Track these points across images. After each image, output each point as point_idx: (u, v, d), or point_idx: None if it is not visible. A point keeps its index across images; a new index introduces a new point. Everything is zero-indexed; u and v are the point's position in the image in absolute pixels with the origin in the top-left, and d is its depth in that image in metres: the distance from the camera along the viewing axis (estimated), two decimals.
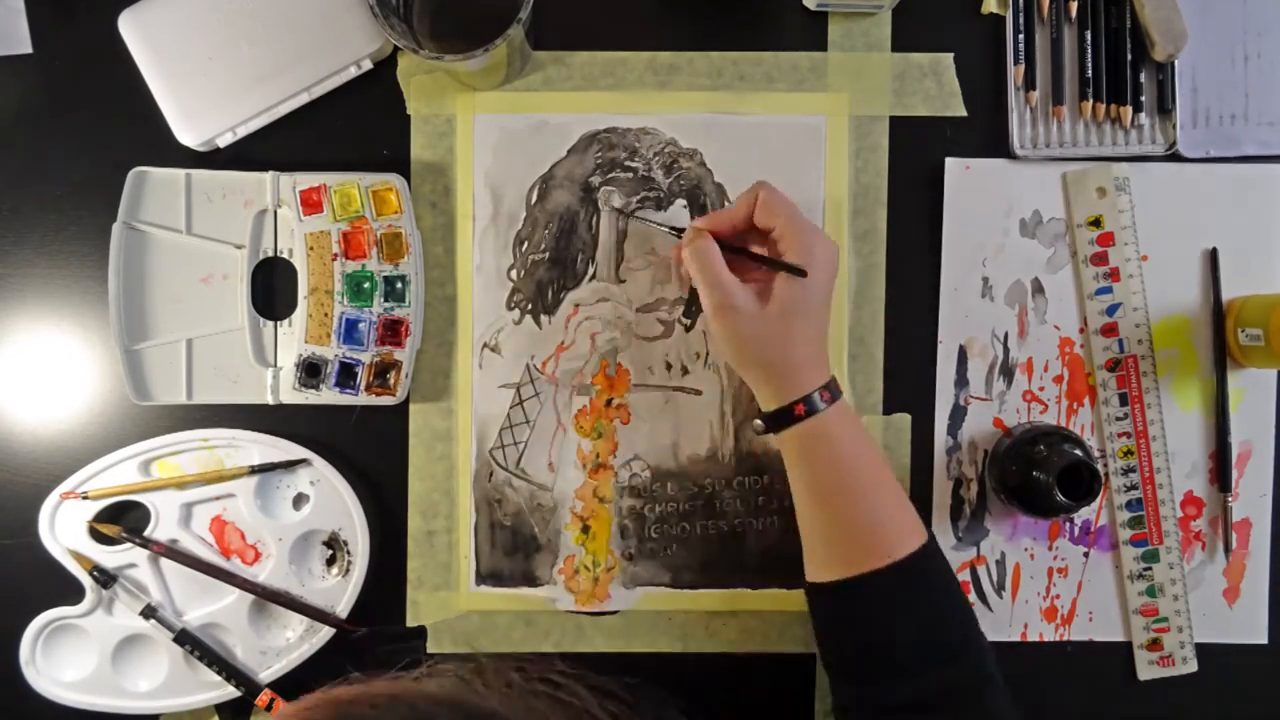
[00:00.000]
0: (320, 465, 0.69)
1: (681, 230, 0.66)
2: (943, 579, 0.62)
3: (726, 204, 0.71)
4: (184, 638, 0.68)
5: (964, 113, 0.71)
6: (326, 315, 0.69)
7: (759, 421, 0.64)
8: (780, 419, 0.62)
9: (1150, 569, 0.71)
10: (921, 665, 0.59)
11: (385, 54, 0.69)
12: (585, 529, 0.71)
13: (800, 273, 0.60)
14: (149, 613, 0.68)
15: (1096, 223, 0.71)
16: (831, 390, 0.62)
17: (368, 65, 0.69)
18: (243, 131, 0.68)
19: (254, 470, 0.69)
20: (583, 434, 0.71)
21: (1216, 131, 0.71)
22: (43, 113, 0.70)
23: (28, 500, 0.69)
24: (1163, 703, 0.72)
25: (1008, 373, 0.72)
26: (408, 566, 0.71)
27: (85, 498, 0.68)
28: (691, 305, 0.71)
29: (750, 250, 0.64)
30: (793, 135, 0.71)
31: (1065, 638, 0.72)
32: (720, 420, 0.71)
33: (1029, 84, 0.70)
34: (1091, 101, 0.70)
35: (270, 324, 0.70)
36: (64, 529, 0.68)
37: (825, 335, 0.63)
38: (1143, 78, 0.70)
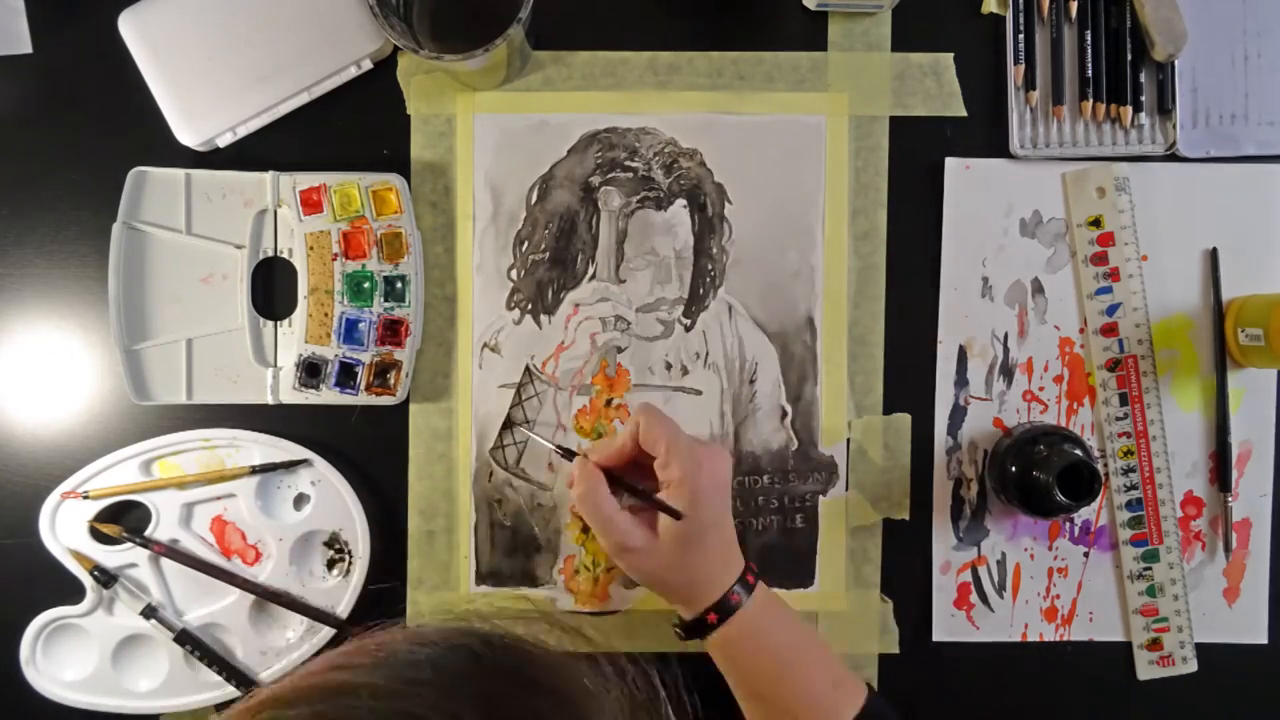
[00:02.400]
0: (321, 465, 0.69)
1: (569, 451, 0.66)
2: None
3: (726, 204, 0.71)
4: (184, 638, 0.68)
5: (964, 113, 0.71)
6: (326, 315, 0.69)
7: (677, 629, 0.64)
8: (697, 628, 0.63)
9: (1150, 569, 0.71)
10: None
11: (385, 54, 0.69)
12: (585, 529, 0.71)
13: (676, 515, 0.61)
14: (149, 613, 0.68)
15: (1096, 223, 0.71)
16: (744, 584, 0.62)
17: (368, 65, 0.69)
18: (243, 131, 0.68)
19: (255, 470, 0.69)
20: (583, 434, 0.71)
21: (1216, 131, 0.71)
22: (43, 113, 0.70)
23: (28, 500, 0.69)
24: (1163, 703, 0.72)
25: (1008, 373, 0.72)
26: (408, 566, 0.71)
27: (86, 497, 0.68)
28: (692, 305, 0.71)
29: (634, 487, 0.64)
30: (793, 135, 0.71)
31: (1065, 638, 0.72)
32: (720, 420, 0.71)
33: (1029, 84, 0.70)
34: (1091, 101, 0.70)
35: (270, 324, 0.70)
36: (64, 529, 0.68)
37: (729, 536, 0.64)
38: (1143, 78, 0.70)
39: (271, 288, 0.70)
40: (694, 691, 0.51)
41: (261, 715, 0.37)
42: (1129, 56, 0.70)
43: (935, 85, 0.71)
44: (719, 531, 0.63)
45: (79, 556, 0.68)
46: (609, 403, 0.71)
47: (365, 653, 0.41)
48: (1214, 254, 0.72)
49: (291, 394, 0.69)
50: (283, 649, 0.70)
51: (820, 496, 0.71)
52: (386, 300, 0.69)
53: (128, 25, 0.67)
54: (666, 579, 0.63)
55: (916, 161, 0.71)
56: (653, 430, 0.63)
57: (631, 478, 0.64)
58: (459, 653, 0.41)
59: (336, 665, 0.40)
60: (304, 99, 0.68)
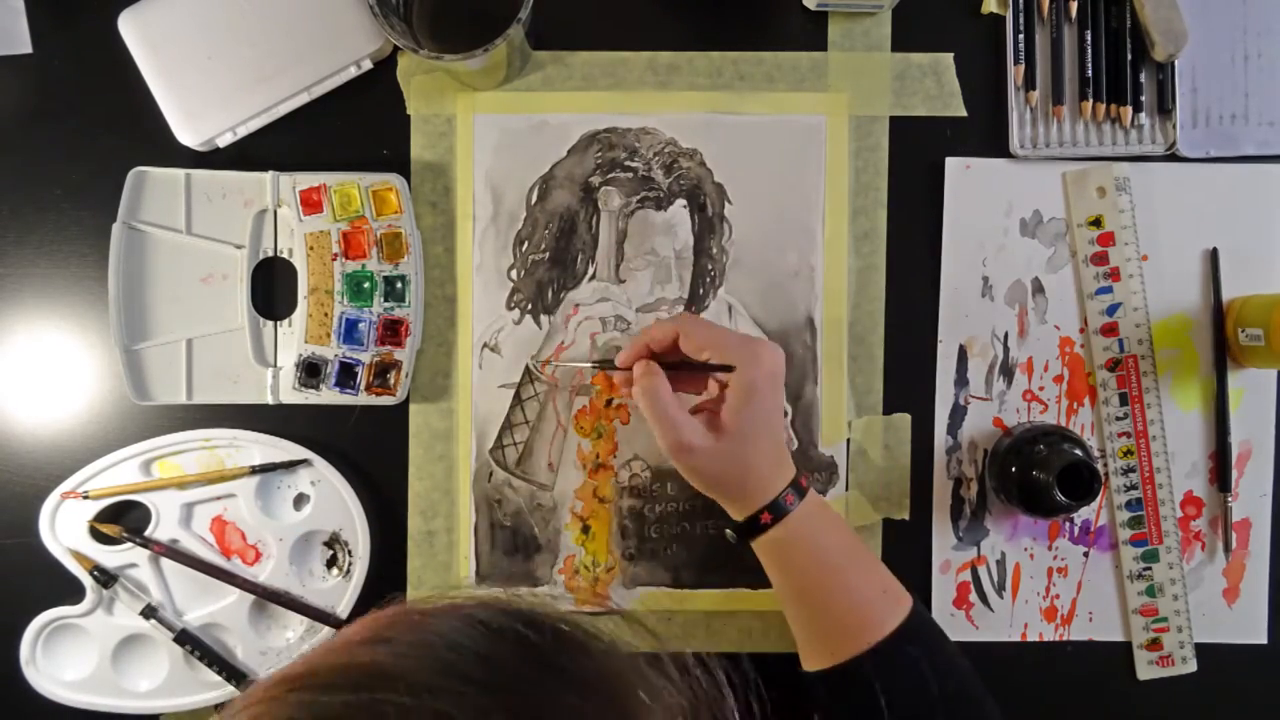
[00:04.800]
0: (321, 465, 0.69)
1: (606, 362, 0.67)
2: (932, 645, 0.62)
3: (726, 204, 0.71)
4: (184, 638, 0.68)
5: (964, 113, 0.71)
6: (326, 315, 0.69)
7: (730, 532, 0.64)
8: (750, 529, 0.62)
9: (1150, 569, 0.71)
10: None
11: (385, 54, 0.69)
12: (585, 529, 0.71)
13: (728, 368, 0.61)
14: (149, 613, 0.68)
15: (1096, 222, 0.71)
16: (796, 488, 0.62)
17: (368, 65, 0.69)
18: (243, 131, 0.68)
19: (255, 470, 0.69)
20: (583, 434, 0.71)
21: (1216, 131, 0.71)
22: (43, 113, 0.70)
23: (28, 500, 0.69)
24: (1162, 703, 0.72)
25: (1008, 372, 0.72)
26: (408, 566, 0.71)
27: (86, 497, 0.68)
28: (692, 305, 0.71)
29: (688, 362, 0.64)
30: (793, 135, 0.71)
31: (1065, 638, 0.72)
32: None
33: (1029, 84, 0.70)
34: (1091, 101, 0.70)
35: (270, 324, 0.70)
36: (64, 529, 0.68)
37: (781, 437, 0.64)
38: (1143, 78, 0.70)
39: (271, 288, 0.70)
40: (764, 695, 0.48)
41: (291, 696, 0.35)
42: (1129, 56, 0.70)
43: (935, 85, 0.71)
44: (771, 431, 0.62)
45: (79, 556, 0.68)
46: (609, 403, 0.71)
47: (409, 625, 0.38)
48: (1214, 254, 0.72)
49: (291, 394, 0.69)
50: (283, 649, 0.70)
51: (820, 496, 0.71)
52: (386, 300, 0.69)
53: (128, 25, 0.67)
54: (724, 476, 0.62)
55: (916, 161, 0.71)
56: (696, 333, 0.62)
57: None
58: (506, 640, 0.38)
59: (376, 638, 0.37)
60: (304, 99, 0.68)
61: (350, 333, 0.69)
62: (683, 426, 0.61)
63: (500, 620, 0.38)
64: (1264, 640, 0.72)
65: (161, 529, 0.69)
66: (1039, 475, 0.66)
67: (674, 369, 0.63)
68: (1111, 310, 0.71)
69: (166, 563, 0.69)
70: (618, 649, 0.41)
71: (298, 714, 0.34)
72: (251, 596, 0.69)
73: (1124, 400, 0.71)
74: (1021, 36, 0.70)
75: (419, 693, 0.34)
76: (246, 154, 0.69)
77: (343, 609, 0.69)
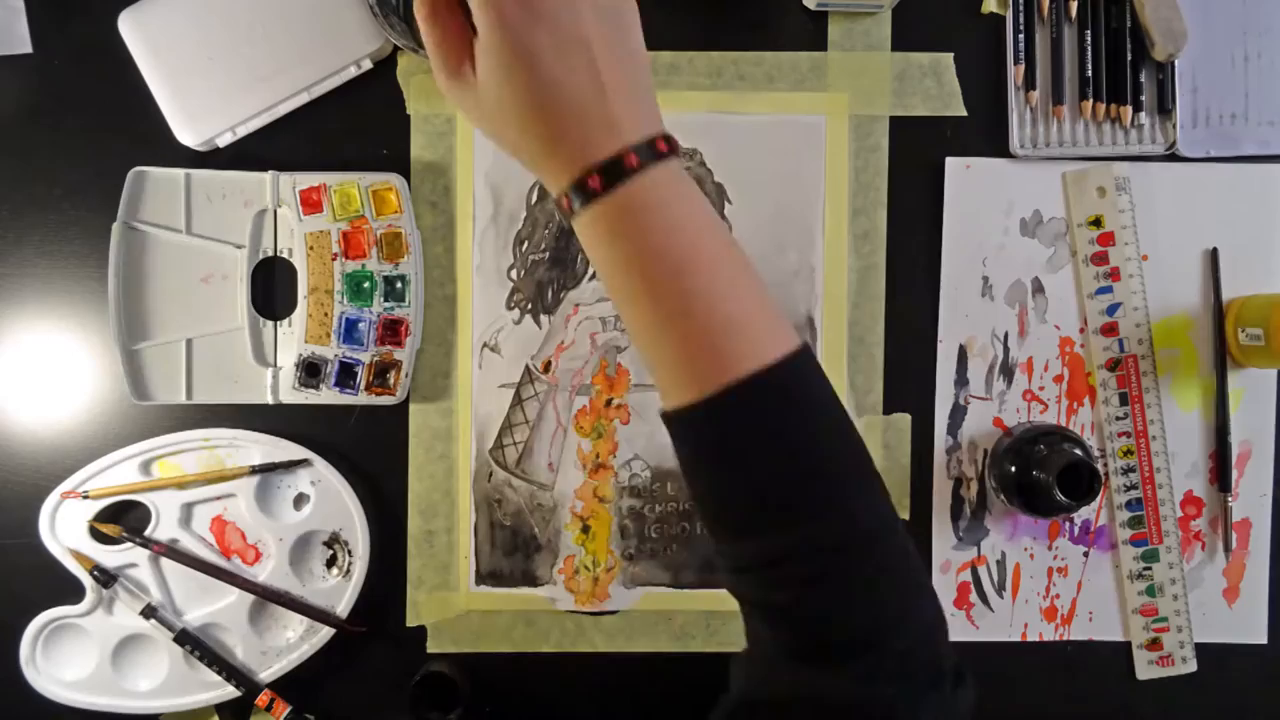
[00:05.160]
0: (321, 465, 0.69)
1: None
2: (820, 399, 0.46)
3: (726, 204, 0.71)
4: (184, 638, 0.68)
5: (964, 113, 0.71)
6: (326, 315, 0.69)
7: (562, 197, 0.46)
8: (609, 174, 0.45)
9: (1150, 569, 0.71)
10: (793, 515, 0.45)
11: (385, 54, 0.69)
12: (585, 529, 0.71)
13: None
14: (149, 612, 0.68)
15: (1097, 222, 0.71)
16: (650, 149, 0.45)
17: (368, 65, 0.69)
18: (243, 131, 0.68)
19: (255, 470, 0.69)
20: (583, 434, 0.71)
21: (1216, 131, 0.71)
22: (43, 113, 0.70)
23: (28, 500, 0.69)
24: (1162, 702, 0.72)
25: (1008, 372, 0.72)
26: (408, 566, 0.71)
27: (86, 497, 0.68)
28: None
29: None
30: (793, 135, 0.71)
31: (1065, 638, 0.72)
32: None
33: (1029, 84, 0.70)
34: (1091, 101, 0.70)
35: (270, 324, 0.70)
36: (64, 528, 0.68)
37: (625, 80, 0.46)
38: (1143, 77, 0.70)
39: (271, 288, 0.70)
40: None
41: None
42: (1129, 56, 0.70)
43: (935, 85, 0.71)
44: (587, 54, 0.45)
45: (79, 556, 0.68)
46: (609, 403, 0.71)
47: None
48: (1214, 254, 0.72)
49: (291, 394, 0.69)
50: (283, 649, 0.70)
51: None
52: (386, 300, 0.69)
53: (128, 25, 0.67)
54: (500, 126, 0.47)
55: (916, 161, 0.71)
56: None
57: None
58: None
59: None
60: (304, 99, 0.68)
61: (350, 332, 0.69)
62: (442, 47, 0.48)
63: None
64: (1264, 640, 0.72)
65: (161, 529, 0.69)
66: (1039, 475, 0.66)
67: None
68: (1111, 310, 0.71)
69: (166, 563, 0.69)
70: None
71: None
72: (251, 596, 0.69)
73: (1124, 400, 0.71)
74: (1021, 36, 0.70)
75: None
76: (246, 154, 0.69)
77: (342, 609, 0.69)
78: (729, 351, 0.44)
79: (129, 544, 0.68)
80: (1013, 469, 0.68)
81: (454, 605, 0.71)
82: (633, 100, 0.46)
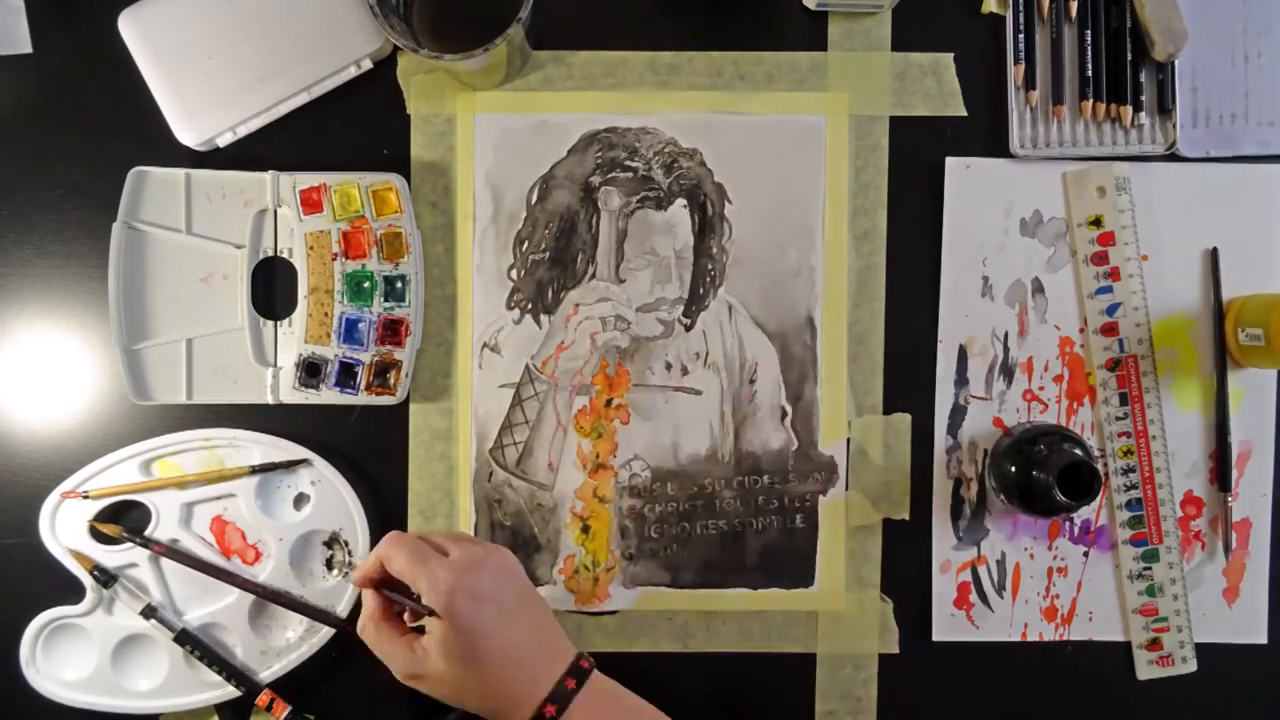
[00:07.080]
0: (321, 465, 0.69)
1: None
2: None
3: (726, 204, 0.71)
4: (184, 638, 0.68)
5: (964, 113, 0.71)
6: (326, 315, 0.69)
7: None
8: (560, 700, 0.57)
9: (1150, 569, 0.71)
10: None
11: (385, 54, 0.69)
12: (585, 529, 0.71)
13: (430, 612, 0.57)
14: (149, 612, 0.68)
15: (1097, 222, 0.71)
16: (576, 674, 0.58)
17: (368, 65, 0.69)
18: (243, 131, 0.68)
19: (255, 470, 0.69)
20: (583, 434, 0.71)
21: (1216, 131, 0.71)
22: (43, 113, 0.70)
23: (28, 500, 0.69)
24: (1162, 702, 0.72)
25: (1008, 372, 0.72)
26: None
27: (86, 497, 0.68)
28: (692, 305, 0.71)
29: (392, 594, 0.61)
30: (793, 135, 0.71)
31: (1065, 638, 0.72)
32: (720, 420, 0.71)
33: (1029, 84, 0.70)
34: (1091, 101, 0.70)
35: (270, 324, 0.70)
36: (64, 528, 0.68)
37: (526, 638, 0.58)
38: (1143, 77, 0.70)
39: (271, 288, 0.70)
40: None
41: None
42: (1129, 56, 0.70)
43: (935, 85, 0.71)
44: (505, 645, 0.57)
45: (79, 556, 0.68)
46: (609, 403, 0.71)
47: None
48: (1214, 254, 0.72)
49: (291, 394, 0.69)
50: (283, 649, 0.70)
51: (820, 496, 0.71)
52: (386, 300, 0.69)
53: (128, 25, 0.67)
54: (463, 697, 0.58)
55: (916, 161, 0.71)
56: (395, 563, 0.58)
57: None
58: None
59: None
60: (304, 99, 0.69)
61: (350, 332, 0.69)
62: (394, 657, 0.58)
63: None
64: (1264, 640, 0.72)
65: (161, 529, 0.69)
66: (1039, 475, 0.66)
67: (388, 596, 0.61)
68: (1111, 310, 0.71)
69: (166, 562, 0.69)
70: None
71: None
72: (251, 596, 0.69)
73: (1124, 400, 0.71)
74: (1021, 36, 0.70)
75: None
76: (246, 154, 0.69)
77: (342, 609, 0.69)
78: None
79: (129, 544, 0.68)
80: (1013, 469, 0.68)
81: None
82: (558, 635, 0.60)
